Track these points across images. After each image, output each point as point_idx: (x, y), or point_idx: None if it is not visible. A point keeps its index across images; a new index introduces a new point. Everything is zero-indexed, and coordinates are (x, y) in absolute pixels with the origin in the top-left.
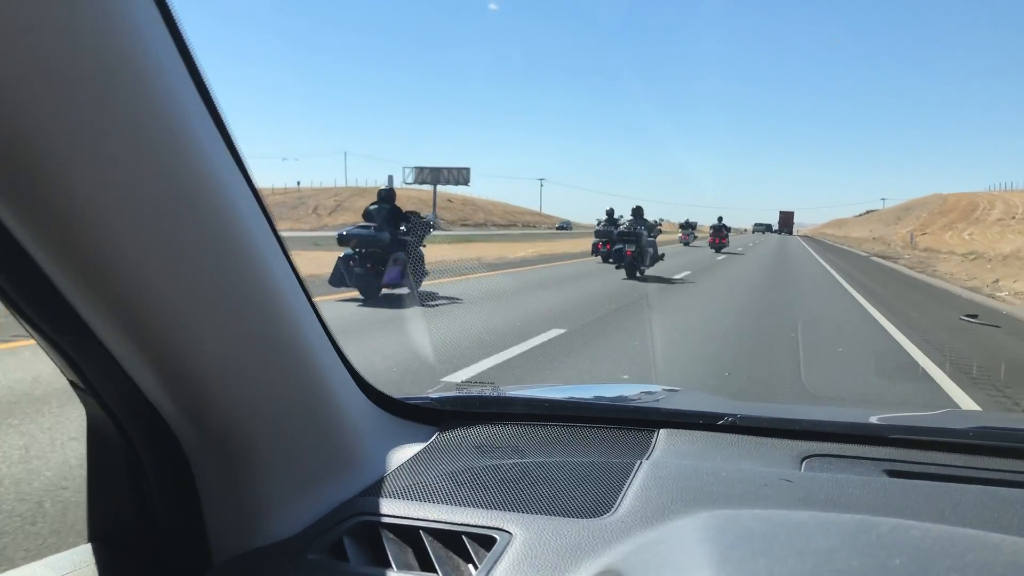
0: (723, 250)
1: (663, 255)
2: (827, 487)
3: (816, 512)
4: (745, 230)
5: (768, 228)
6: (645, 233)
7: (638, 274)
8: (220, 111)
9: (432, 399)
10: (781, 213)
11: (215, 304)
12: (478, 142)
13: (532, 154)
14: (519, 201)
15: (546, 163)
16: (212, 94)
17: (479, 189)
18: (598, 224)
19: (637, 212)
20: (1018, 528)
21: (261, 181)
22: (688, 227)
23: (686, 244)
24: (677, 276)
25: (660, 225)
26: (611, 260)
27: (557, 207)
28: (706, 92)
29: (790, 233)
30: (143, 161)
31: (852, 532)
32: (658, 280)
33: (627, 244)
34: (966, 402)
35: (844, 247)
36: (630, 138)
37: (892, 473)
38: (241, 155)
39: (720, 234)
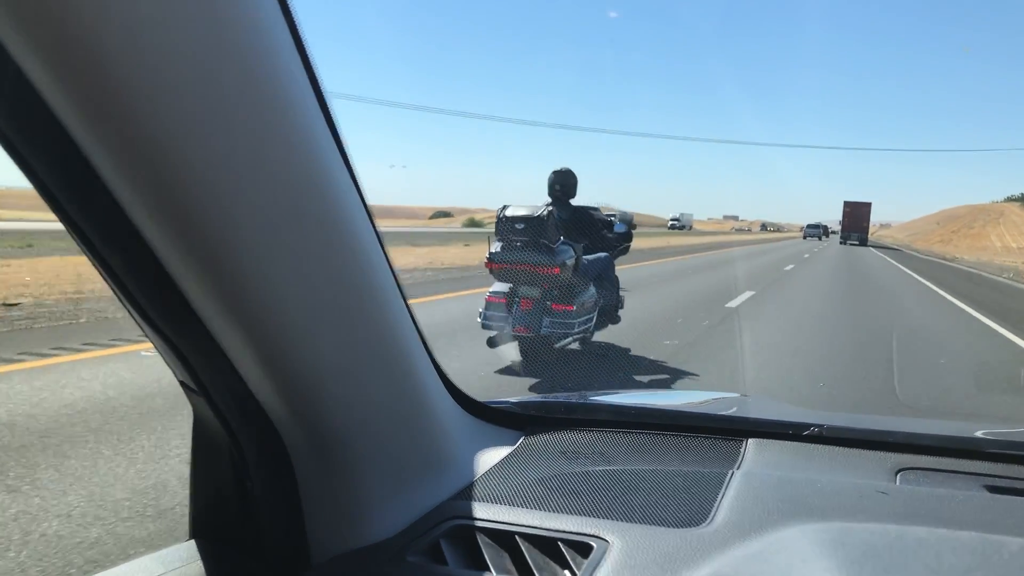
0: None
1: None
2: (928, 502)
3: (930, 528)
4: (787, 229)
5: (824, 231)
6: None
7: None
8: (335, 119)
9: (515, 403)
10: (847, 205)
11: (327, 307)
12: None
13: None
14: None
15: (638, 160)
16: (328, 102)
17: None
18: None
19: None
20: None
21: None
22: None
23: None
24: None
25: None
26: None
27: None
28: (802, 94)
29: (863, 242)
30: (268, 166)
31: (981, 551)
32: None
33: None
34: None
35: None
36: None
37: (993, 489)
38: (352, 163)
39: (557, 292)
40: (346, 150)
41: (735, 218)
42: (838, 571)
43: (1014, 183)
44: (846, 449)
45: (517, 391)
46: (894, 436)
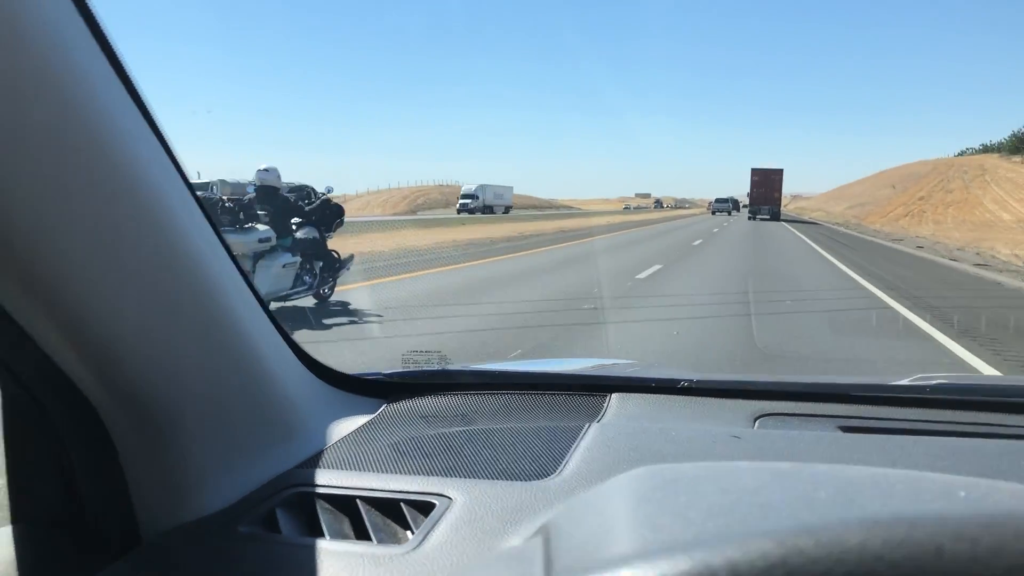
0: None
1: None
2: (778, 443)
3: (757, 462)
4: (696, 204)
5: (735, 205)
6: None
7: None
8: (130, 73)
9: (382, 374)
10: (756, 173)
11: (128, 267)
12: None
13: (471, 124)
14: None
15: (491, 135)
16: (137, 86)
17: None
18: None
19: None
20: (967, 475)
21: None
22: None
23: None
24: None
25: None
26: None
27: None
28: (660, 51)
29: (775, 216)
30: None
31: (783, 473)
32: None
33: None
34: None
35: None
36: (580, 103)
37: (846, 428)
38: (158, 122)
39: None
40: (156, 120)
41: (647, 195)
42: (631, 498)
43: (960, 136)
44: (708, 399)
45: None
46: (755, 384)
